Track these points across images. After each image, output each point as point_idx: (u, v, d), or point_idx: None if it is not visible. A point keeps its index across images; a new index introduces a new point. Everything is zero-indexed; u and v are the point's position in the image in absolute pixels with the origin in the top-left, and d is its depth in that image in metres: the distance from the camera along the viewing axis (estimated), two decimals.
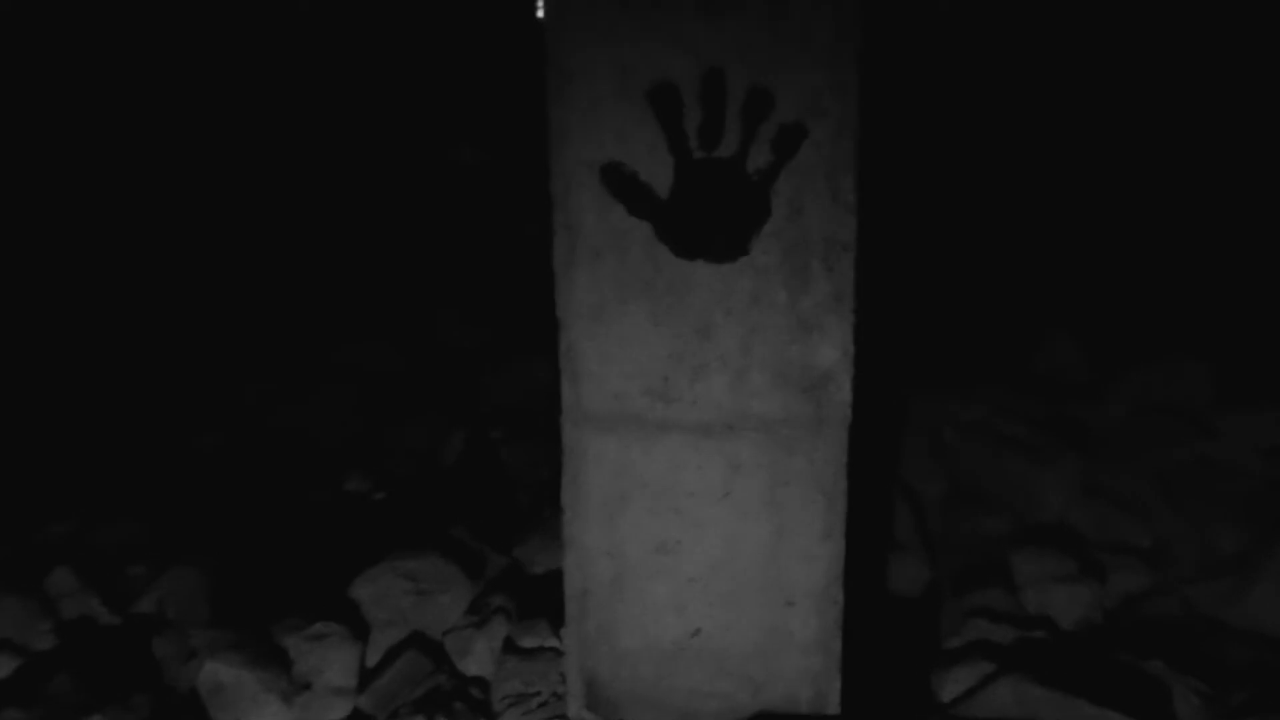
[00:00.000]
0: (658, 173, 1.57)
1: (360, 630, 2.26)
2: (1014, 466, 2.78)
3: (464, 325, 4.06)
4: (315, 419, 3.43)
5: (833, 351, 1.65)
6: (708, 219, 1.58)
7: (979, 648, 2.16)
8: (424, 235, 5.03)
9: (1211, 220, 4.29)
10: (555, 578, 1.94)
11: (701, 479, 1.70)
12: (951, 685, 2.05)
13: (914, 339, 3.25)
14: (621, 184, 1.57)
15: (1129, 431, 2.94)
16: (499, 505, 2.82)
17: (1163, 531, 2.58)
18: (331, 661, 2.17)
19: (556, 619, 2.10)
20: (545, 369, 1.85)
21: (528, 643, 2.17)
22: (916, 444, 2.93)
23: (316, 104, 6.32)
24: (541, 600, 2.27)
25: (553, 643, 2.16)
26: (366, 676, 2.20)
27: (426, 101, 6.41)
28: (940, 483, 2.85)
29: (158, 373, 3.77)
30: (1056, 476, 2.74)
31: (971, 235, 4.25)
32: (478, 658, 2.19)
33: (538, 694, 2.06)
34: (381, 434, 3.32)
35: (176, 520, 2.73)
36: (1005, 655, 2.11)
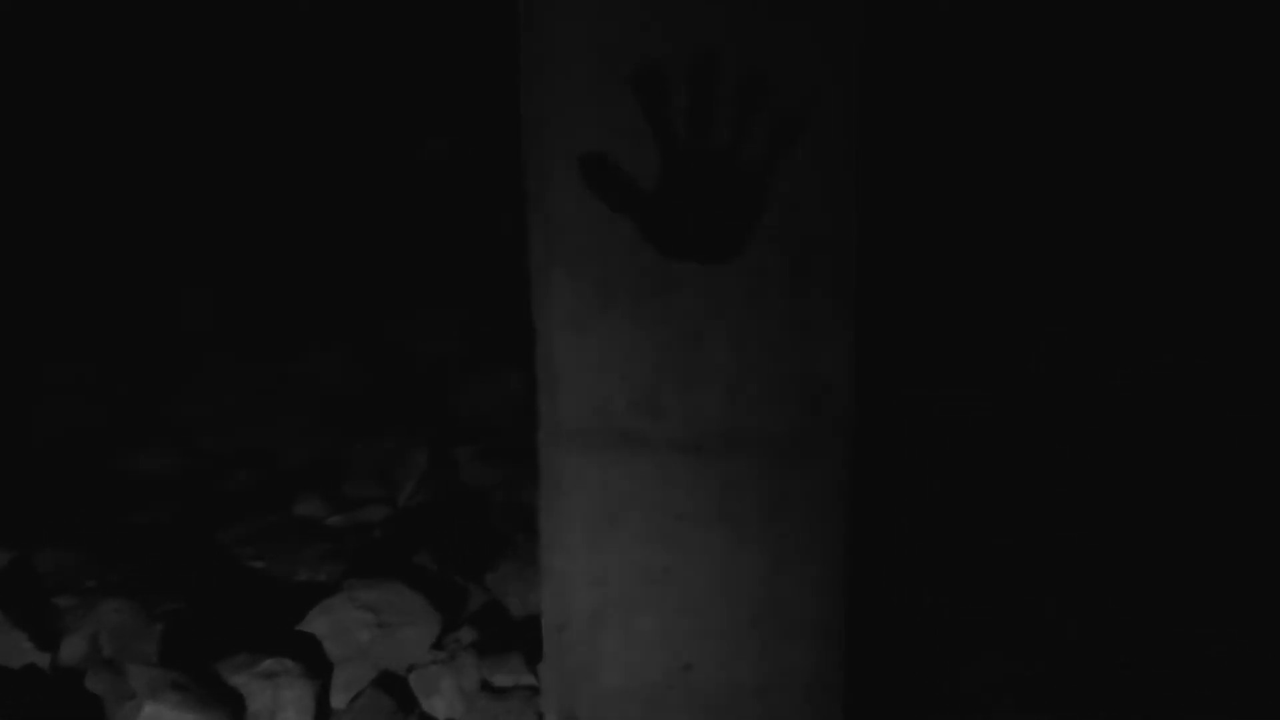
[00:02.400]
0: (643, 165, 1.53)
1: (316, 667, 2.21)
2: (1018, 477, 2.78)
3: (432, 332, 4.01)
4: (270, 436, 3.38)
5: (834, 359, 1.62)
6: (697, 215, 1.55)
7: (995, 676, 2.14)
8: (389, 234, 4.97)
9: (1217, 219, 4.32)
10: (531, 609, 1.90)
11: (692, 500, 1.66)
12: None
13: (914, 344, 3.24)
14: (603, 177, 1.53)
15: (1137, 437, 2.95)
16: (469, 530, 2.78)
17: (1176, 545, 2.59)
18: (285, 702, 2.12)
19: (533, 654, 2.08)
20: (520, 380, 1.81)
21: (501, 680, 2.14)
22: (918, 453, 2.92)
23: (267, 89, 6.23)
24: (516, 634, 2.24)
25: (529, 680, 2.13)
26: (327, 717, 2.15)
27: (389, 85, 6.34)
28: (943, 494, 2.83)
29: (98, 384, 3.70)
30: (1062, 487, 2.74)
31: (976, 235, 4.26)
32: (446, 697, 2.15)
33: None
34: (341, 452, 3.27)
35: (114, 548, 2.66)
36: (1020, 683, 2.10)
